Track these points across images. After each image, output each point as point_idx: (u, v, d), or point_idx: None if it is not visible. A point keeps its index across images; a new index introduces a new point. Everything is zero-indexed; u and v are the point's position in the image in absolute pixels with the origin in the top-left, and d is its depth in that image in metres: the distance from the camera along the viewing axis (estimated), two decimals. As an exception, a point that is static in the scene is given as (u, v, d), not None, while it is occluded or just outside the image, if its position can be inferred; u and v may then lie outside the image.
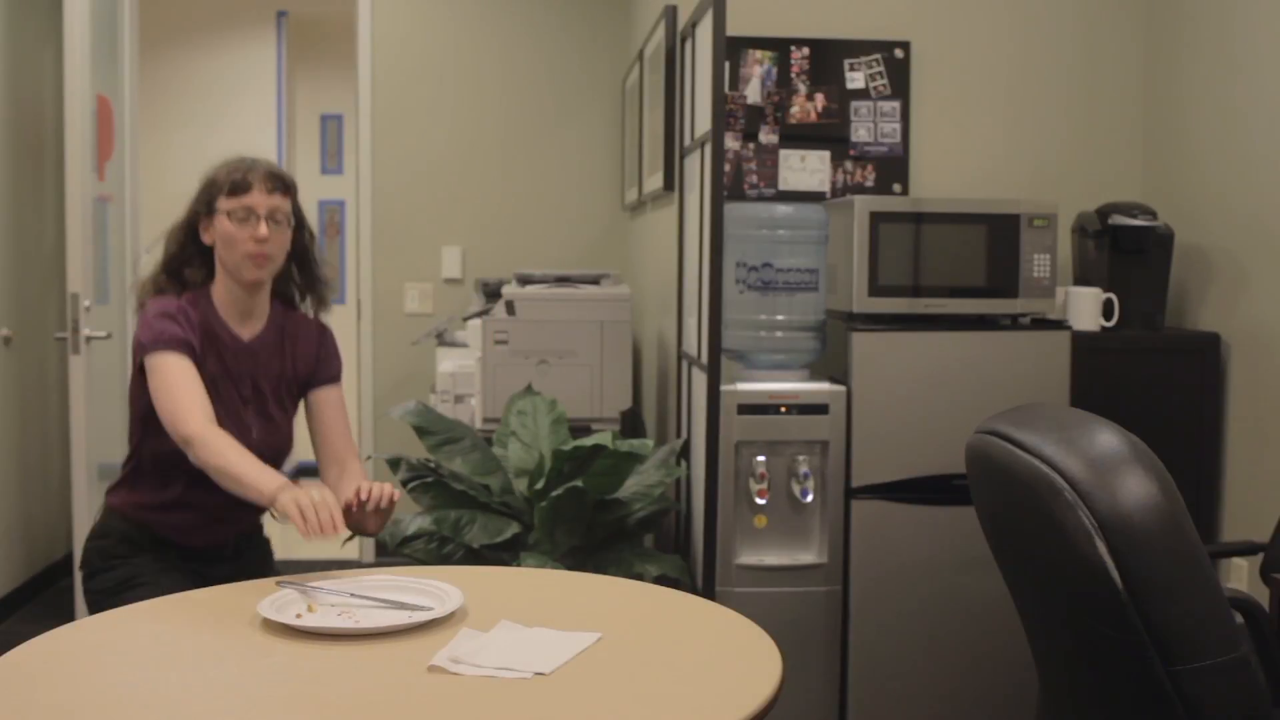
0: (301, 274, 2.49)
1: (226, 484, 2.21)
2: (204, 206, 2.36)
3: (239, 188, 2.32)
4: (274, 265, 2.37)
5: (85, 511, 4.48)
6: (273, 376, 2.44)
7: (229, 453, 2.20)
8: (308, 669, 1.70)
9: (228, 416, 2.34)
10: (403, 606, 1.92)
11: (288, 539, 2.40)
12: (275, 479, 2.17)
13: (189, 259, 2.39)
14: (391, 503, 2.23)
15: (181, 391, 2.25)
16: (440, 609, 1.89)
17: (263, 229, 2.31)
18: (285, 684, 1.65)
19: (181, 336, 2.29)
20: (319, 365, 2.49)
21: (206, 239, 2.37)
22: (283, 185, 2.36)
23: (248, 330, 2.41)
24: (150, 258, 2.50)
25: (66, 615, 4.46)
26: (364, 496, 2.20)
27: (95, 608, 2.34)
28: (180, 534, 2.41)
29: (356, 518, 2.24)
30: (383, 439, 5.37)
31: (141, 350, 2.31)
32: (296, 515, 2.06)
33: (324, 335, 2.52)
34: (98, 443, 4.55)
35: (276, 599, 1.91)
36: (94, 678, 1.71)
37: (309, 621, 1.84)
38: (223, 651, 1.77)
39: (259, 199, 2.32)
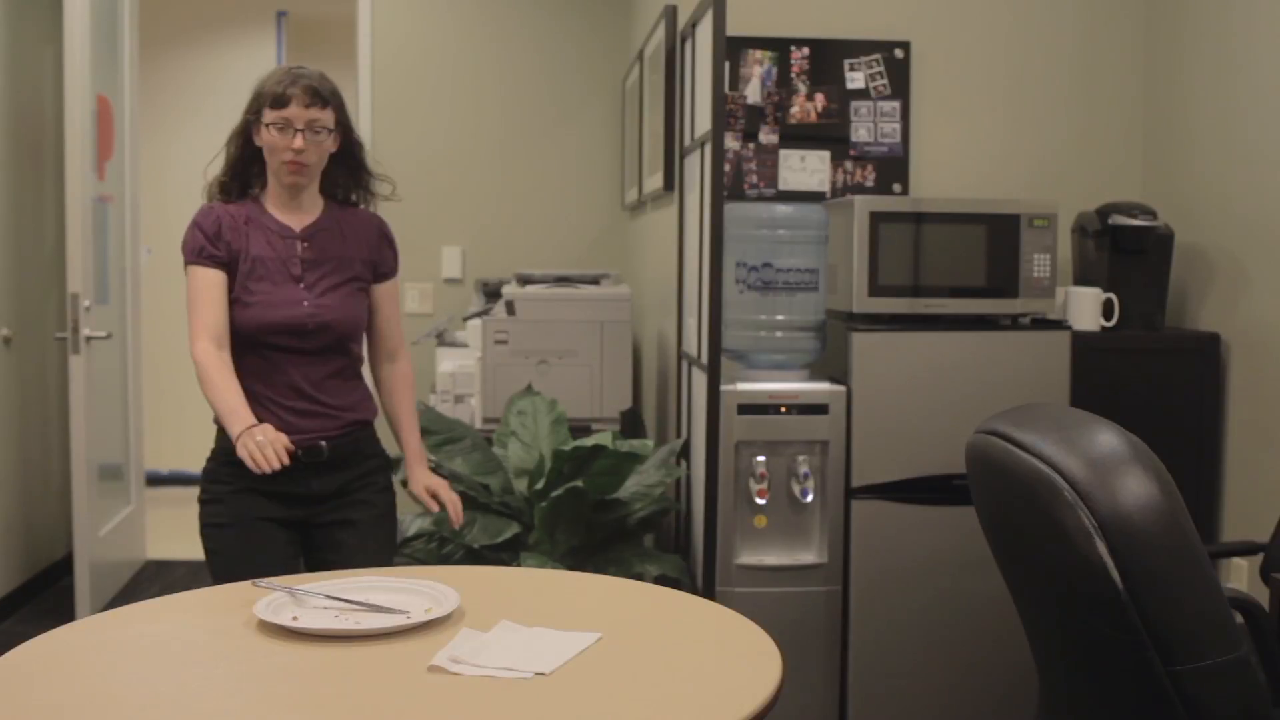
0: (348, 175, 2.72)
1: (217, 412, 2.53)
2: (254, 115, 2.61)
3: (279, 101, 2.54)
4: (311, 172, 2.61)
5: (85, 511, 4.48)
6: (331, 260, 2.66)
7: (216, 381, 2.49)
8: (309, 669, 1.70)
9: (276, 289, 2.61)
10: (379, 609, 1.90)
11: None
12: (241, 421, 2.43)
13: (249, 161, 2.65)
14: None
15: (195, 309, 2.55)
16: (438, 609, 1.88)
17: (298, 141, 2.55)
18: (286, 684, 1.65)
19: (198, 246, 2.58)
20: (378, 257, 2.73)
21: (259, 142, 2.61)
22: (321, 100, 2.56)
23: (298, 221, 2.65)
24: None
25: (66, 615, 4.46)
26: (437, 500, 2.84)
27: (204, 539, 2.62)
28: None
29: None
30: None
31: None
32: (247, 459, 2.35)
33: (383, 230, 2.76)
34: (98, 443, 4.55)
35: (271, 600, 1.91)
36: (93, 678, 1.70)
37: (305, 624, 1.83)
38: (224, 652, 1.77)
39: (297, 112, 2.54)
